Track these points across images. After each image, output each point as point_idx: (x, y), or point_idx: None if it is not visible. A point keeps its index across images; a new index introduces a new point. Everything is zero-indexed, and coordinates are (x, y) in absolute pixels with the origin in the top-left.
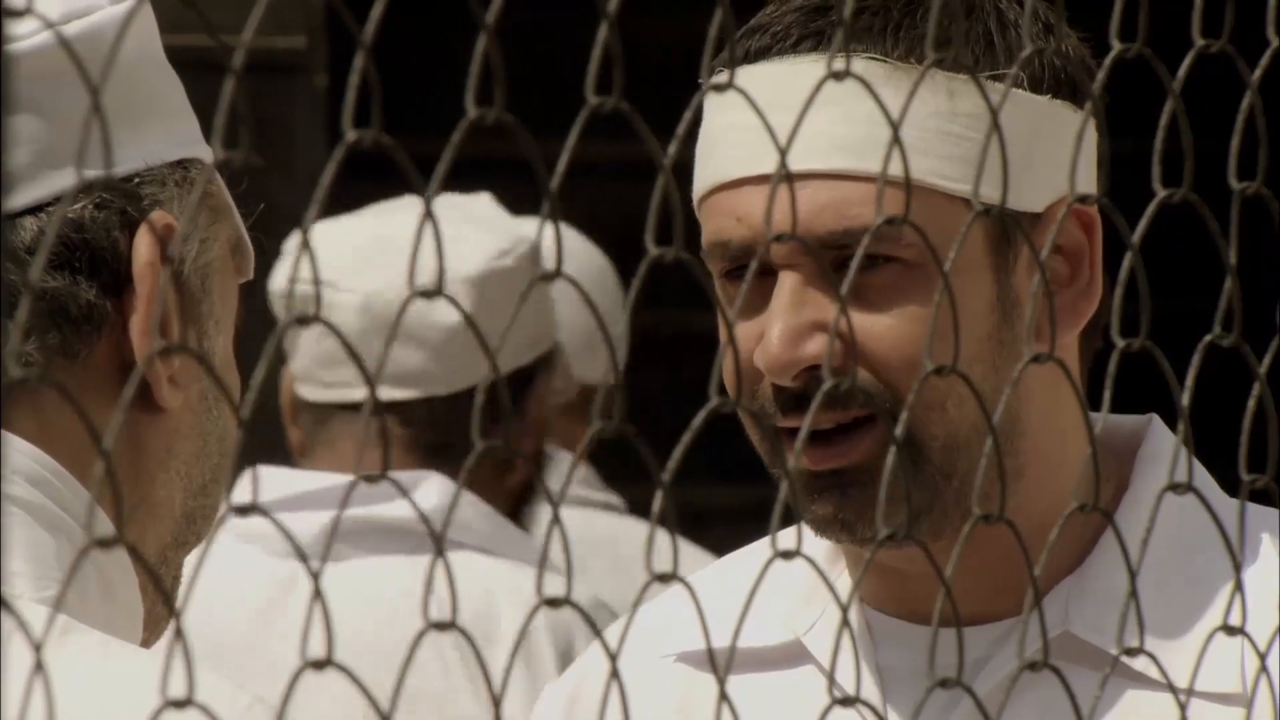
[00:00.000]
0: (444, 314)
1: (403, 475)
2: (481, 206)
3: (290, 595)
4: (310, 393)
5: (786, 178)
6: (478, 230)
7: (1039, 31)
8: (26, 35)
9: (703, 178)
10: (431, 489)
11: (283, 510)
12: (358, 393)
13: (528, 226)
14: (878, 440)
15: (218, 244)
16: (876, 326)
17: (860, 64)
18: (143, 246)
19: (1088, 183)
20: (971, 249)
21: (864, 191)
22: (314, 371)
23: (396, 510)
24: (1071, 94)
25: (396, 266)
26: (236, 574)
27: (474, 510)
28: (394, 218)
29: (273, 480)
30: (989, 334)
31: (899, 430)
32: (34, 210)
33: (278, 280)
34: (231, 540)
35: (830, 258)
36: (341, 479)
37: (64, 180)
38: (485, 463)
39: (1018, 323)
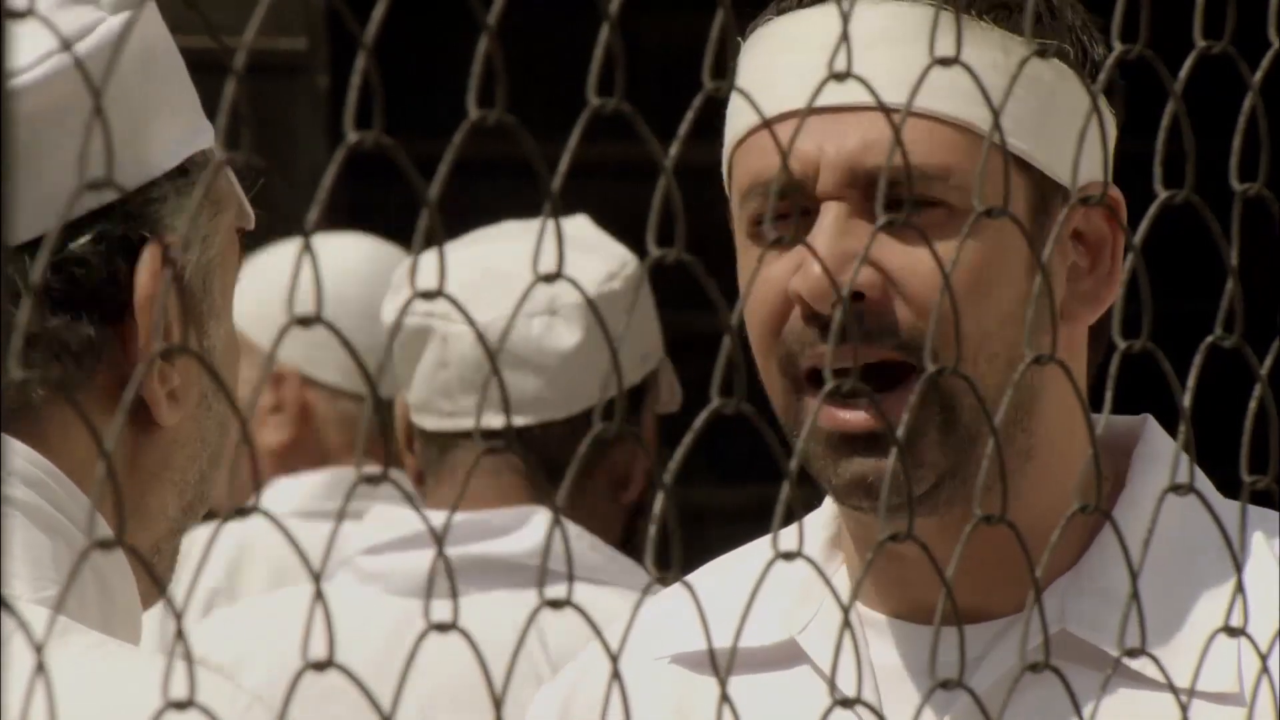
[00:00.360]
0: (559, 340)
1: (510, 513)
2: (582, 230)
3: (410, 632)
4: (430, 422)
5: (782, 117)
6: (584, 255)
7: (1082, 23)
8: (26, 69)
9: (738, 123)
10: (539, 524)
11: (401, 549)
12: (481, 420)
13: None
14: (915, 402)
15: (219, 236)
16: (919, 265)
17: (920, 10)
18: (144, 277)
19: (1074, 180)
20: (1014, 209)
21: (916, 129)
22: (434, 402)
23: (506, 547)
24: (1106, 92)
25: (509, 295)
26: (357, 613)
27: (579, 543)
28: (499, 245)
29: (391, 519)
30: (1023, 297)
31: (900, 431)
32: (35, 243)
33: (385, 310)
34: (351, 580)
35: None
36: (457, 517)
37: (70, 211)
38: (600, 483)
39: (1053, 290)
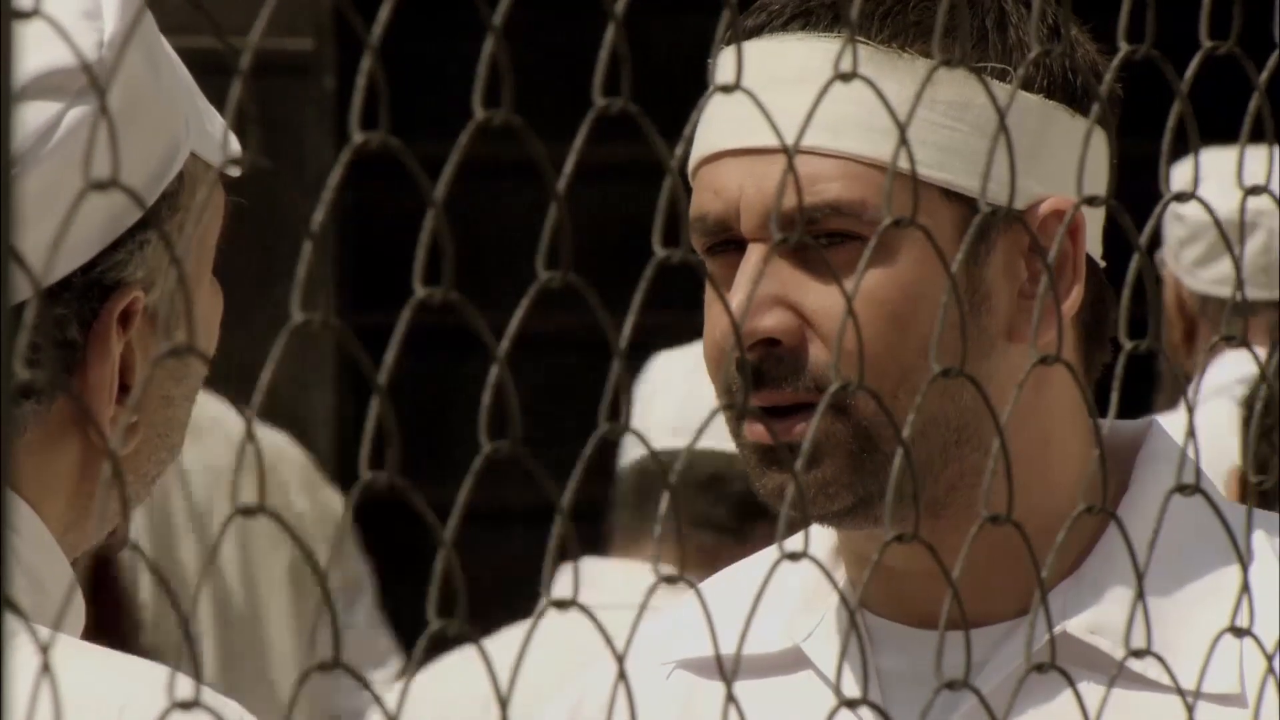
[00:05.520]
0: None
1: None
2: None
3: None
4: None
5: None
6: None
7: (1045, 35)
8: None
9: (693, 156)
10: None
11: None
12: None
13: None
14: (821, 419)
15: (190, 249)
16: (834, 305)
17: (842, 44)
18: (99, 340)
19: (1079, 187)
20: (939, 238)
21: (834, 168)
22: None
23: None
24: (1070, 99)
25: None
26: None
27: None
28: None
29: None
30: (954, 323)
31: (905, 432)
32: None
33: None
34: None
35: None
36: None
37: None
38: None
39: (985, 316)
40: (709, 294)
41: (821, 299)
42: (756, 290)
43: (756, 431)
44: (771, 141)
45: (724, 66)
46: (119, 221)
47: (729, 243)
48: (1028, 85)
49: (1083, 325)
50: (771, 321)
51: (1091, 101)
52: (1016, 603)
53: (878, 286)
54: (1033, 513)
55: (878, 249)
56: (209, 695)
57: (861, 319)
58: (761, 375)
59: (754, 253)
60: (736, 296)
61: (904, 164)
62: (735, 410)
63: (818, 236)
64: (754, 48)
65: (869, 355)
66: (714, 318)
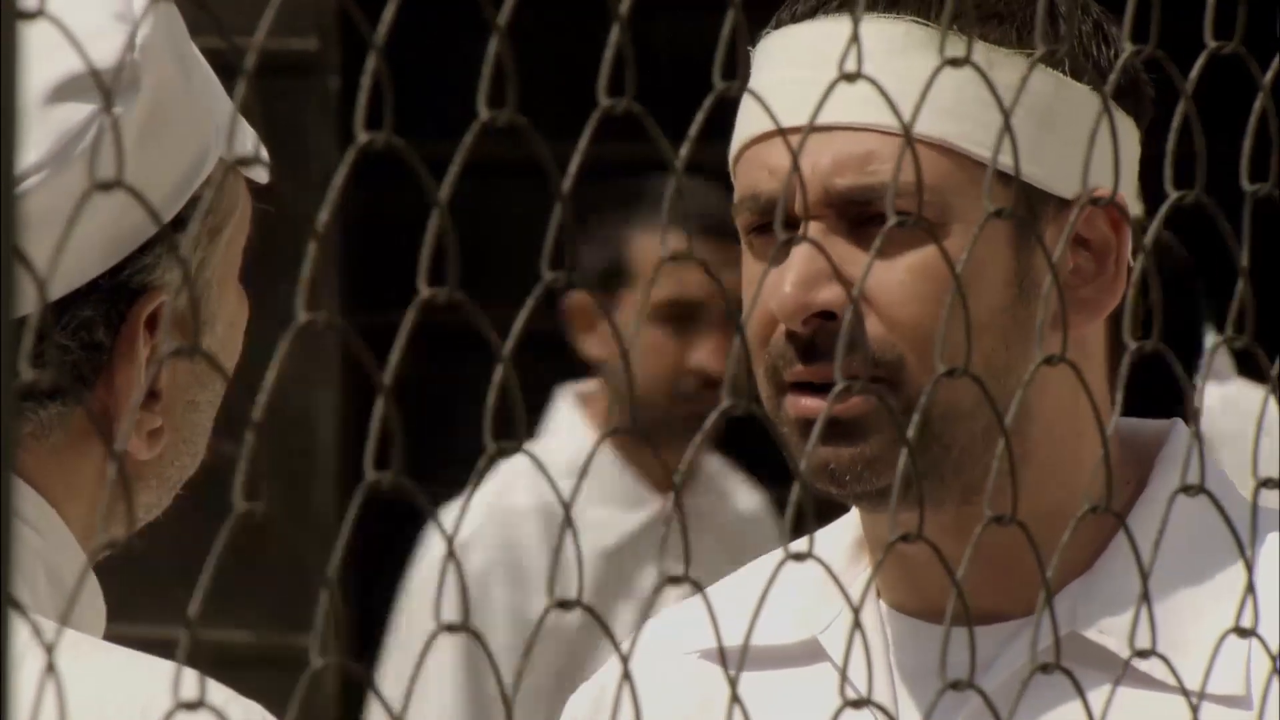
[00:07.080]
0: None
1: None
2: None
3: None
4: None
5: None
6: None
7: (1090, 30)
8: (23, 175)
9: (738, 135)
10: None
11: None
12: None
13: None
14: (870, 394)
15: (217, 254)
16: (890, 280)
17: (903, 26)
18: (127, 341)
19: (1116, 183)
20: (992, 222)
21: (890, 146)
22: None
23: None
24: (1116, 96)
25: None
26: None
27: None
28: None
29: None
30: (1004, 307)
31: (911, 433)
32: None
33: None
34: None
35: (854, 212)
36: None
37: (63, 289)
38: None
39: (1035, 301)
40: (748, 272)
41: (878, 274)
42: (814, 264)
43: (801, 406)
44: (829, 119)
45: (767, 48)
46: (147, 225)
47: (787, 225)
48: (1078, 76)
49: (1112, 324)
50: (829, 295)
51: (1129, 101)
52: (1030, 600)
53: (931, 263)
54: (1060, 511)
55: (938, 228)
56: (225, 695)
57: (915, 294)
58: (814, 349)
59: (811, 229)
60: (793, 270)
61: (968, 145)
62: (777, 385)
63: (872, 217)
64: (808, 29)
65: (922, 331)
66: (764, 293)
